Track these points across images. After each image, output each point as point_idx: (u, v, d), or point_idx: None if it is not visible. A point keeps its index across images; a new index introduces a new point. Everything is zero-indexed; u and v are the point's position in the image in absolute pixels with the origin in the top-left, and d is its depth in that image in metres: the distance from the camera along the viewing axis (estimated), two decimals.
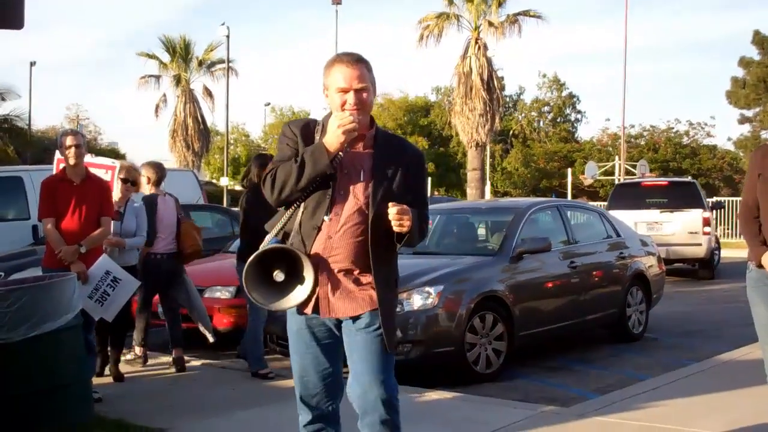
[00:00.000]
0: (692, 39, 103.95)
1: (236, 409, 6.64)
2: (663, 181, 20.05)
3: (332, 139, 3.56)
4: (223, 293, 9.67)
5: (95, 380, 6.94)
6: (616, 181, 20.18)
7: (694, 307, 13.67)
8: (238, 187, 60.55)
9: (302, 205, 3.68)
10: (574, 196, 39.48)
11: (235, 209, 21.68)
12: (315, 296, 3.65)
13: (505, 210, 10.41)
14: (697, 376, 7.73)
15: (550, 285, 9.07)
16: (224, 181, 43.11)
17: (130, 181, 8.02)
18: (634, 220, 16.23)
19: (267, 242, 3.70)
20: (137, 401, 6.94)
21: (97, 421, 6.08)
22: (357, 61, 3.67)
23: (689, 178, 21.10)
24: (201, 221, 13.70)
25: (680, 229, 17.38)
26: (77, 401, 5.95)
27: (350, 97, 3.62)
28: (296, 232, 3.68)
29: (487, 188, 42.34)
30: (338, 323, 3.72)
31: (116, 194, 7.80)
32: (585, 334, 10.06)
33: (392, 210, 3.52)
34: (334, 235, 3.63)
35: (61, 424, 5.72)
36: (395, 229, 3.55)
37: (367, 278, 3.67)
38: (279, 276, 3.59)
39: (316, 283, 3.60)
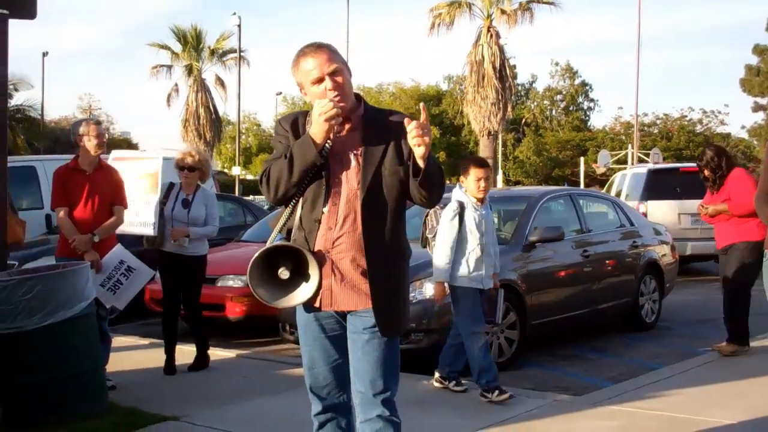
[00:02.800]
0: (706, 26, 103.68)
1: (249, 397, 6.65)
2: None
3: (316, 128, 3.46)
4: (236, 282, 9.68)
5: (109, 368, 6.96)
6: (629, 169, 18.83)
7: (707, 295, 13.58)
8: (249, 177, 60.74)
9: (301, 199, 3.61)
10: (586, 185, 39.40)
11: (247, 198, 21.64)
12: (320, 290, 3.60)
13: (517, 199, 10.38)
14: (711, 364, 7.71)
15: (562, 274, 9.04)
16: (236, 171, 43.15)
17: (187, 167, 7.74)
18: (677, 211, 15.25)
19: (272, 239, 3.64)
20: (150, 389, 6.97)
21: (110, 408, 6.11)
22: (318, 47, 3.58)
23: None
24: None
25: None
26: (91, 389, 5.98)
27: (327, 83, 3.51)
28: (298, 227, 3.62)
29: (499, 177, 42.30)
30: (345, 315, 3.66)
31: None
32: (598, 323, 10.04)
33: (413, 124, 3.32)
34: (335, 226, 3.56)
35: (75, 411, 5.76)
36: (415, 144, 3.34)
37: None
38: (284, 273, 3.56)
39: (321, 279, 3.55)
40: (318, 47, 3.58)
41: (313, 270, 3.53)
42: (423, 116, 3.38)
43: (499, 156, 46.16)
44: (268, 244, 3.60)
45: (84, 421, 5.70)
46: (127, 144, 55.19)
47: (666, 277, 10.67)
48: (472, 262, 6.59)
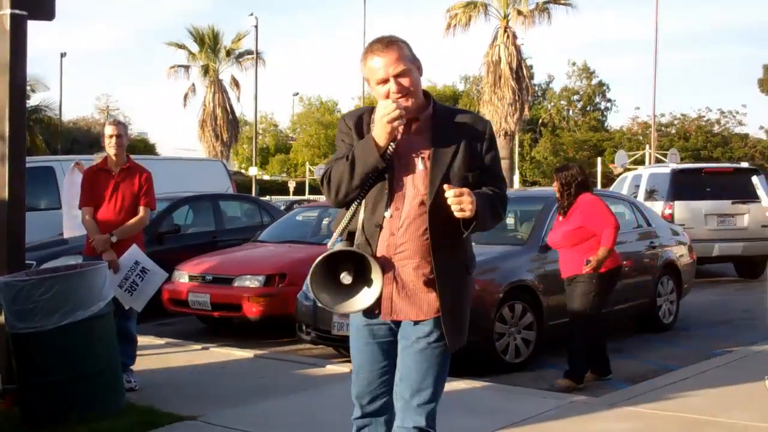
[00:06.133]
0: (724, 26, 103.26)
1: (266, 397, 6.66)
2: (727, 167, 17.91)
3: (379, 131, 3.33)
4: (253, 282, 9.71)
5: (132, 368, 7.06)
6: (644, 169, 18.44)
7: (726, 296, 13.55)
8: (266, 177, 60.83)
9: (363, 202, 3.48)
10: (603, 186, 39.27)
11: (264, 199, 21.53)
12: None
13: (534, 199, 10.36)
14: (730, 366, 7.67)
15: None
16: (253, 171, 43.27)
17: None
18: (703, 211, 15.17)
19: (333, 242, 3.53)
20: (167, 389, 6.99)
21: (127, 408, 6.13)
22: (388, 44, 3.41)
23: (746, 164, 19.18)
24: (230, 211, 13.79)
25: (753, 221, 15.31)
26: (109, 388, 6.00)
27: (391, 86, 3.37)
28: (360, 231, 3.47)
29: (516, 177, 42.21)
30: (398, 322, 3.56)
31: None
32: (615, 324, 10.00)
33: (449, 193, 3.26)
34: (397, 231, 3.43)
35: (92, 410, 5.78)
36: (456, 214, 3.29)
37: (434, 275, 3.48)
38: (346, 279, 3.41)
39: (383, 286, 3.44)
40: (387, 45, 3.42)
41: (376, 276, 3.40)
42: (454, 191, 3.28)
43: (516, 156, 46.08)
44: (329, 248, 3.48)
45: (101, 421, 5.72)
46: (144, 144, 55.49)
47: (683, 278, 10.62)
48: None
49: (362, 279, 3.44)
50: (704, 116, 54.61)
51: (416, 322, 3.51)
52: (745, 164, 18.70)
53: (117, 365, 6.22)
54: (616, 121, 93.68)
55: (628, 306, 9.67)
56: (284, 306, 9.22)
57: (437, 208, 3.38)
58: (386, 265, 3.44)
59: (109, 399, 5.99)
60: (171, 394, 6.77)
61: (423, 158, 3.45)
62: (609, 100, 64.17)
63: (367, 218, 3.47)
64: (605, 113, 63.98)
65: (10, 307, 5.72)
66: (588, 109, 62.66)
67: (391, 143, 3.39)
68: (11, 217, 6.36)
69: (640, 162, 41.18)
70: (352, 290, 3.46)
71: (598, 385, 7.43)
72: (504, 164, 31.98)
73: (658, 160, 37.49)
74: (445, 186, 3.31)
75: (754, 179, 15.58)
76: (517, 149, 47.50)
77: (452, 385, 6.79)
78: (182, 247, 11.65)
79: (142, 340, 8.78)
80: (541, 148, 56.26)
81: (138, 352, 7.38)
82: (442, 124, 3.50)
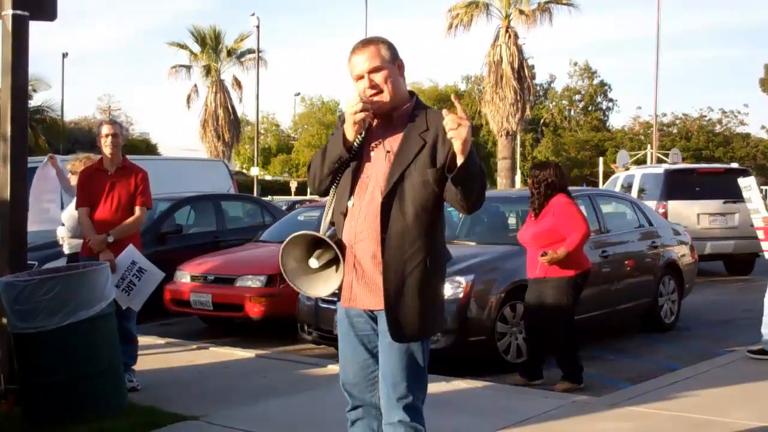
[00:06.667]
0: (725, 26, 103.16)
1: (268, 397, 6.66)
2: (719, 167, 18.47)
3: (346, 124, 3.51)
4: (255, 282, 9.71)
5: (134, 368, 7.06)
6: (637, 169, 18.51)
7: (727, 296, 13.54)
8: (268, 177, 60.81)
9: (336, 191, 3.65)
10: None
11: (265, 199, 21.48)
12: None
13: None
14: (731, 365, 7.67)
15: None
16: (254, 171, 43.25)
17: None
18: (696, 211, 15.52)
19: (323, 231, 3.63)
20: (169, 389, 6.99)
21: (129, 408, 6.13)
22: (366, 44, 3.58)
23: (735, 165, 19.53)
24: (232, 211, 13.79)
25: (744, 220, 14.85)
26: (111, 388, 6.01)
27: (365, 82, 3.53)
28: (331, 219, 3.66)
29: (518, 177, 42.18)
30: (375, 315, 3.60)
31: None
32: (617, 324, 10.01)
33: (447, 118, 3.29)
34: (357, 220, 3.54)
35: (94, 410, 5.79)
36: (449, 134, 3.29)
37: None
38: (313, 262, 3.53)
39: (344, 274, 3.54)
40: (365, 44, 3.59)
41: (340, 264, 3.51)
42: (458, 109, 3.35)
43: (518, 156, 46.06)
44: (319, 233, 3.58)
45: (103, 421, 5.73)
46: (146, 145, 55.49)
47: (685, 278, 10.62)
48: None
49: (333, 266, 3.55)
50: (706, 116, 54.67)
51: (383, 314, 3.53)
52: (735, 165, 18.99)
53: (119, 365, 6.23)
54: (617, 120, 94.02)
55: (630, 306, 9.67)
56: (286, 306, 9.22)
57: (391, 200, 3.50)
58: (348, 253, 3.55)
59: (111, 399, 5.99)
60: (173, 394, 6.77)
61: (389, 152, 3.57)
62: (611, 100, 64.27)
63: (335, 206, 3.65)
64: (607, 113, 64.07)
65: (12, 308, 5.73)
66: (590, 108, 62.67)
67: (359, 136, 3.54)
68: (13, 218, 6.37)
69: (642, 162, 41.22)
70: (319, 274, 3.57)
71: (600, 384, 7.43)
72: (506, 164, 32.10)
73: (659, 160, 37.46)
74: (444, 112, 3.36)
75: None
76: (518, 149, 47.50)
77: (453, 385, 6.81)
78: (184, 247, 11.66)
79: (144, 340, 8.80)
80: (543, 148, 56.24)
81: (140, 352, 7.38)
82: (415, 122, 3.60)
